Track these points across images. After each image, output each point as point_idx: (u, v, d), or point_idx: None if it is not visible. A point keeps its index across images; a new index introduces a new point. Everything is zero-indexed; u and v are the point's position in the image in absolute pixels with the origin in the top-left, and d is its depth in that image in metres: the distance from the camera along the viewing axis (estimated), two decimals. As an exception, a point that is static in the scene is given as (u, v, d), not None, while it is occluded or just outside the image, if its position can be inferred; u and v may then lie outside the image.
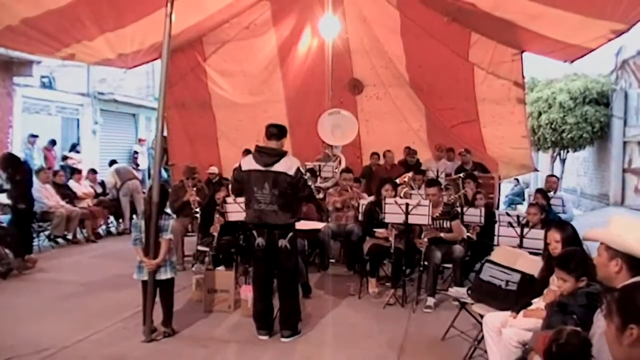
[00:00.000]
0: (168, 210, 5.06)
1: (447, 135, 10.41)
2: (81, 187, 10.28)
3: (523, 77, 9.44)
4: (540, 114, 16.57)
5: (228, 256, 6.57)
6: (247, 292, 5.42)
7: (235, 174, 5.08)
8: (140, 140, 17.10)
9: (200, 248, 6.92)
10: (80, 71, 15.00)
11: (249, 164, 4.85)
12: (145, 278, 4.73)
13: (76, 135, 15.60)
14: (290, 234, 4.84)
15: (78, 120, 15.69)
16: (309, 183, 4.87)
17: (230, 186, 5.80)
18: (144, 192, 10.67)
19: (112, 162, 11.53)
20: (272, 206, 4.73)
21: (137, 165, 15.63)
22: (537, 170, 12.63)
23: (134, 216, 9.99)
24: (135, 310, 5.31)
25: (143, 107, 17.75)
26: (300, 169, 4.81)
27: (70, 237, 9.41)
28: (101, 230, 10.27)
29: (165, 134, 9.08)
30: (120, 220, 10.66)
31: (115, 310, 5.53)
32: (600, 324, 2.33)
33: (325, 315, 5.64)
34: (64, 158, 14.14)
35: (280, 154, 4.80)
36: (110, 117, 16.62)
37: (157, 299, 4.85)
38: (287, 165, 4.74)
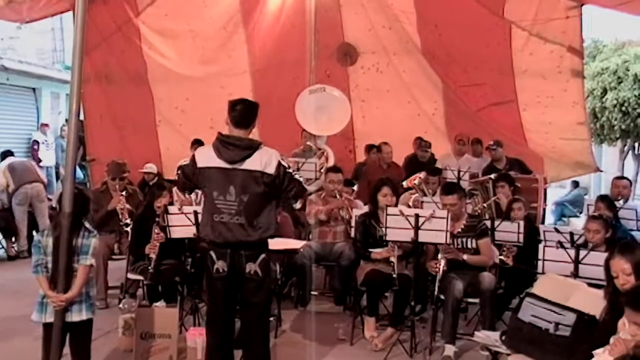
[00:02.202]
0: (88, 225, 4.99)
1: (472, 122, 10.54)
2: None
3: (582, 40, 9.55)
4: (605, 91, 16.71)
5: (170, 287, 6.58)
6: (196, 338, 5.44)
7: (186, 168, 5.04)
8: (43, 125, 16.91)
9: (131, 276, 6.91)
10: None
11: (207, 159, 4.80)
12: (50, 320, 4.61)
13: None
14: (262, 255, 4.82)
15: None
16: (296, 176, 4.88)
17: (177, 181, 5.69)
18: (49, 199, 10.61)
19: (6, 155, 11.34)
20: (239, 218, 4.71)
21: (39, 160, 15.49)
22: (600, 171, 12.73)
23: (35, 233, 10.00)
24: (33, 366, 5.30)
25: (47, 79, 17.55)
26: (282, 162, 4.81)
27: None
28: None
29: (81, 117, 9.09)
30: (13, 239, 10.57)
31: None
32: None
33: (305, 369, 5.70)
34: None
35: (253, 146, 4.78)
36: (-4, 91, 16.42)
37: (66, 349, 4.76)
38: (264, 162, 4.73)
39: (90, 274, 4.75)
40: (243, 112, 4.84)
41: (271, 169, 4.72)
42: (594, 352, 3.84)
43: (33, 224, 10.33)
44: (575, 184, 17.89)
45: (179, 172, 5.14)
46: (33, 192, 10.36)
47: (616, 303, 3.91)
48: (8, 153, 11.24)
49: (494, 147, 9.56)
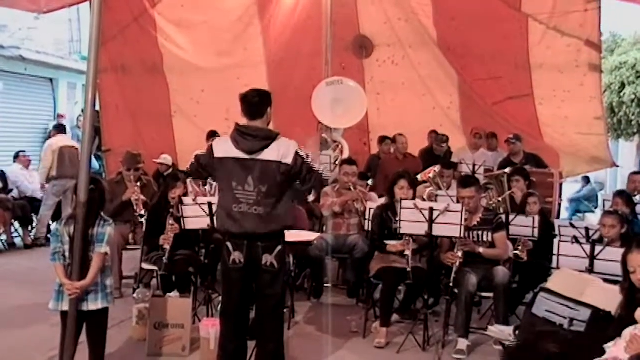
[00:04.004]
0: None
1: (488, 116, 10.49)
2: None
3: (600, 34, 9.47)
4: (623, 86, 16.57)
5: (184, 278, 6.63)
6: (209, 328, 5.46)
7: (202, 158, 5.04)
8: (59, 116, 16.97)
9: (146, 266, 6.95)
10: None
11: (226, 149, 4.81)
12: (66, 308, 4.66)
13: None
14: (279, 247, 4.83)
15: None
16: (316, 167, 4.88)
17: (188, 167, 5.62)
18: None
19: (59, 130, 11.07)
20: (257, 208, 4.72)
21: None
22: (617, 166, 12.64)
23: (51, 222, 10.06)
24: (48, 354, 5.32)
25: (64, 69, 17.60)
26: (300, 152, 4.81)
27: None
28: (0, 241, 10.25)
29: (97, 107, 9.12)
30: (30, 228, 10.64)
31: (19, 355, 5.51)
32: None
33: (318, 361, 5.70)
34: None
35: (271, 137, 4.79)
36: (14, 81, 16.27)
37: (82, 337, 4.79)
38: (282, 152, 4.73)
39: (105, 263, 4.79)
40: (254, 103, 4.86)
41: (288, 160, 4.73)
42: (605, 345, 3.83)
43: (58, 213, 10.31)
44: (587, 180, 17.83)
45: (194, 160, 5.13)
46: (71, 185, 10.33)
47: (633, 299, 3.91)
48: (62, 129, 11.16)
49: (513, 141, 9.52)
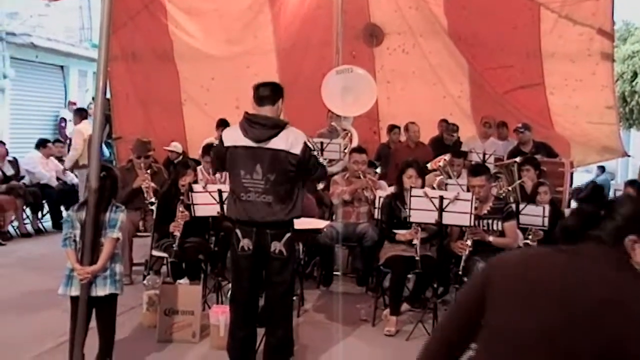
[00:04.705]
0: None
1: (498, 105, 10.47)
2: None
3: (613, 23, 9.42)
4: (635, 75, 16.53)
5: (194, 265, 6.67)
6: (219, 315, 5.49)
7: (215, 149, 5.10)
8: (70, 103, 17.01)
9: (156, 253, 6.98)
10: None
11: (234, 138, 4.82)
12: (75, 293, 4.64)
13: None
14: (287, 235, 4.83)
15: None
16: (320, 159, 4.92)
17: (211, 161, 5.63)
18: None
19: (82, 115, 10.88)
20: (266, 197, 4.72)
21: (66, 137, 15.62)
22: (628, 155, 12.60)
23: (63, 209, 10.11)
24: (59, 340, 5.35)
25: (75, 57, 17.66)
26: (308, 144, 4.81)
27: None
28: (12, 227, 10.28)
29: (108, 95, 9.15)
30: (40, 214, 10.75)
31: (30, 341, 5.55)
32: None
33: (327, 349, 5.71)
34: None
35: (279, 125, 4.78)
36: (26, 68, 16.39)
37: (92, 323, 4.79)
38: (290, 141, 4.72)
39: (116, 249, 4.80)
40: (265, 89, 4.86)
41: (297, 150, 4.72)
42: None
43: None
44: (602, 169, 17.75)
45: (212, 154, 5.16)
46: None
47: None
48: (84, 114, 10.98)
49: (521, 130, 9.50)
